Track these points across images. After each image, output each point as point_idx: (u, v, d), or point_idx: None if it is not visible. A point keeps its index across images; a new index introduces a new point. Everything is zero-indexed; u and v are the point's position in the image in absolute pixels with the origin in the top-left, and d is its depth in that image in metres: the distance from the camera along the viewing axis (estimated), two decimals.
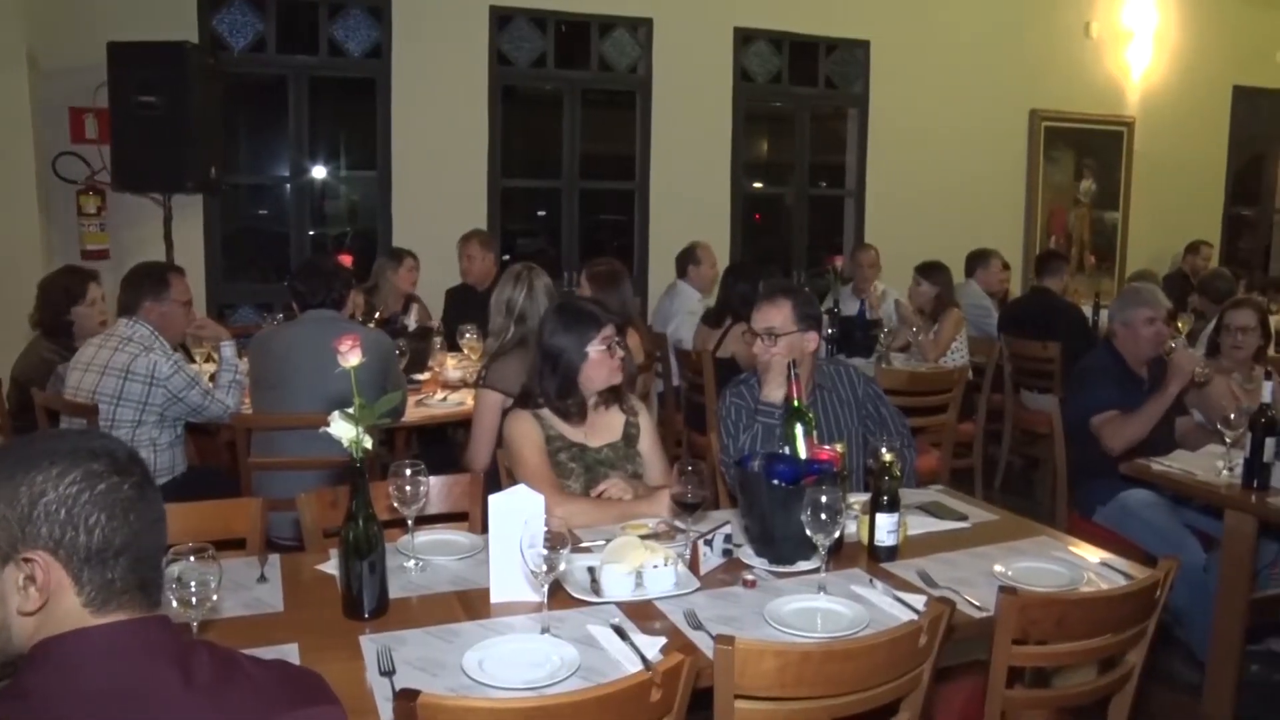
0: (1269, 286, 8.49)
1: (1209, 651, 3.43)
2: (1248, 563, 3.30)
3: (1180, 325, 5.82)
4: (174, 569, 1.74)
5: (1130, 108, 9.25)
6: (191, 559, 1.77)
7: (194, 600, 1.76)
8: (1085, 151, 9.18)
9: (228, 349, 3.98)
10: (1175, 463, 3.56)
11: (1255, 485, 3.22)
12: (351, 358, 2.11)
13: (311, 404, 3.45)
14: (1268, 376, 3.52)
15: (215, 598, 1.82)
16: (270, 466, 3.68)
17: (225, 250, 6.56)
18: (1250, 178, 10.35)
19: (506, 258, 7.34)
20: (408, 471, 2.33)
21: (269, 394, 3.81)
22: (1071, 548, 2.61)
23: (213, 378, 3.98)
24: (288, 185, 6.76)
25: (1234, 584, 3.32)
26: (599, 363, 2.92)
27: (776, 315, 3.07)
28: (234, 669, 1.31)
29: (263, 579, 2.30)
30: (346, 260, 5.13)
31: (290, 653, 1.88)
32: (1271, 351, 4.87)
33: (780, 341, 3.04)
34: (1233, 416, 3.37)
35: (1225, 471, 3.39)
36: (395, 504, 2.35)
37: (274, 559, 2.43)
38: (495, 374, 3.58)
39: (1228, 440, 3.40)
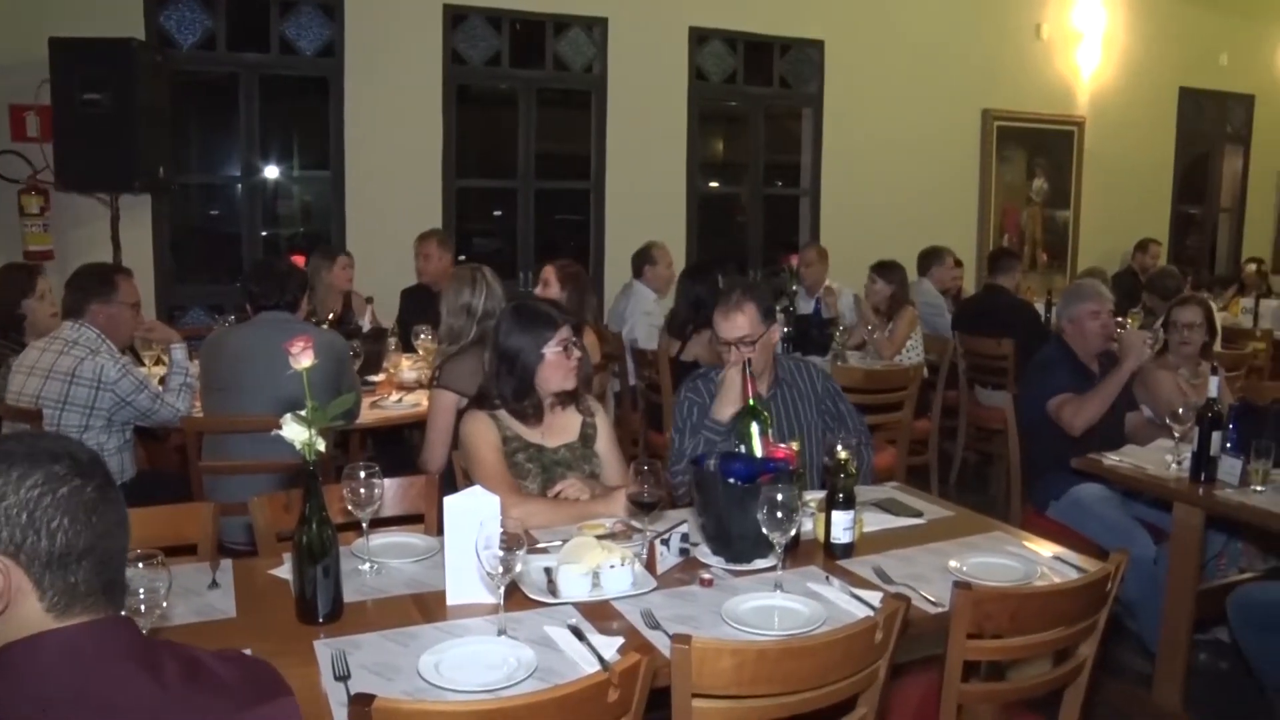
0: (1215, 284, 8.66)
1: (1159, 642, 3.49)
2: (1195, 554, 3.36)
3: (1130, 321, 5.91)
4: None
5: (1080, 108, 9.38)
6: (140, 565, 1.73)
7: (143, 608, 1.73)
8: (1037, 151, 9.30)
9: (178, 351, 3.93)
10: (1126, 457, 3.62)
11: (1202, 479, 3.28)
12: (303, 359, 2.08)
13: (264, 406, 3.41)
14: (1214, 372, 3.58)
15: (165, 605, 1.78)
16: (222, 470, 3.63)
17: (175, 251, 6.45)
18: (1196, 177, 10.55)
19: (462, 258, 7.31)
20: (362, 474, 2.30)
21: (220, 396, 3.76)
22: (1025, 542, 2.64)
23: (162, 381, 3.91)
24: (239, 185, 6.65)
25: (1182, 576, 3.38)
26: (555, 364, 2.90)
27: (745, 322, 3.05)
28: (198, 667, 1.29)
29: (214, 585, 2.27)
30: (300, 261, 5.06)
31: None
32: (1217, 347, 4.96)
33: (757, 347, 3.06)
34: (1181, 411, 3.43)
35: (1174, 465, 3.45)
36: (350, 506, 2.33)
37: (226, 564, 2.39)
38: (450, 374, 3.56)
39: (1176, 435, 3.46)
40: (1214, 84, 10.19)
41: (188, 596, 2.18)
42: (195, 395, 3.89)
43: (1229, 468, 3.27)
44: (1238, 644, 3.28)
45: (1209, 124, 10.40)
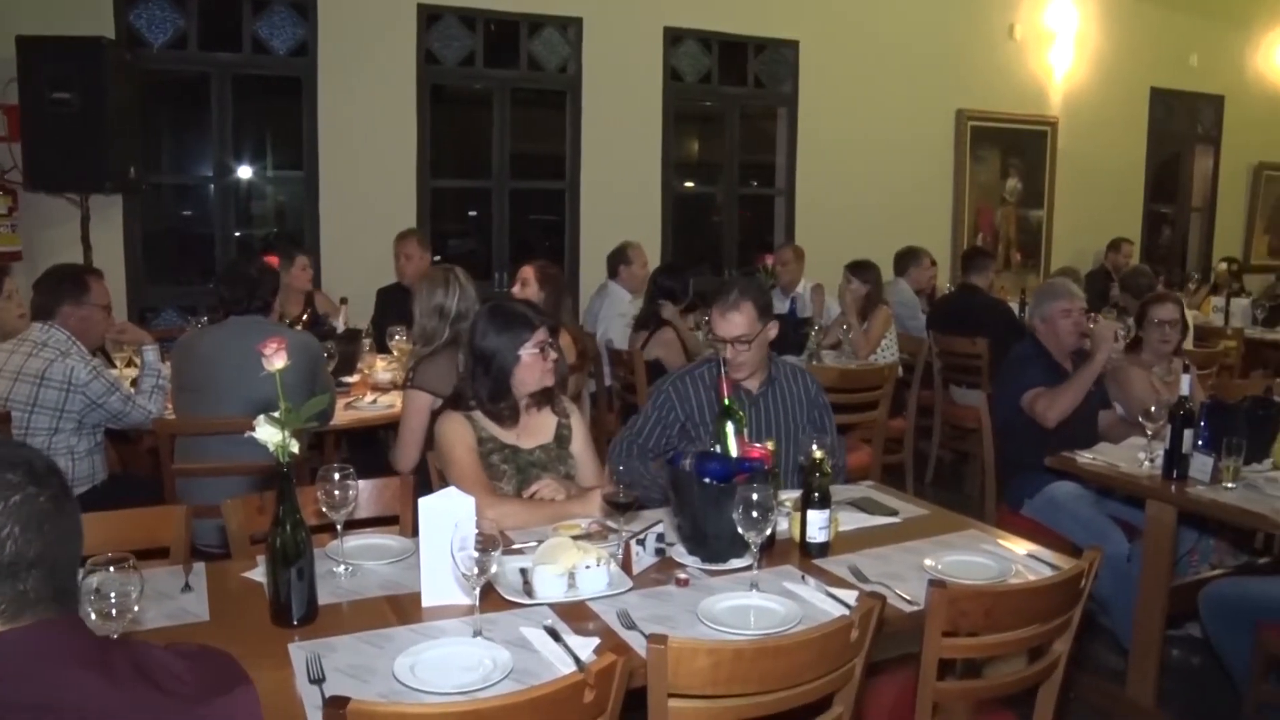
0: (1186, 282, 8.75)
1: (1132, 638, 3.52)
2: (1168, 551, 3.39)
3: (1102, 317, 5.95)
4: (92, 580, 1.69)
5: (1053, 108, 9.45)
6: (111, 569, 1.71)
7: (114, 612, 1.71)
8: (1011, 151, 9.36)
9: (150, 353, 3.89)
10: (1099, 455, 3.65)
11: (1175, 476, 3.31)
12: (276, 361, 2.07)
13: (237, 408, 3.38)
14: (1186, 370, 3.61)
15: (137, 609, 1.76)
16: (195, 473, 3.61)
17: (147, 252, 6.39)
18: (1167, 177, 10.65)
19: (437, 258, 7.28)
20: (336, 475, 2.29)
21: (192, 398, 3.73)
22: (1000, 540, 2.66)
23: (134, 383, 3.88)
24: (211, 186, 6.60)
25: (1155, 572, 3.40)
26: (531, 365, 2.90)
27: (742, 321, 3.06)
28: (151, 663, 1.28)
29: (187, 588, 2.25)
30: (273, 262, 5.02)
31: None
32: (1189, 345, 5.01)
33: (753, 344, 3.07)
34: (1154, 409, 3.46)
35: (1147, 463, 3.47)
36: (324, 508, 2.31)
37: (199, 567, 2.37)
38: (424, 375, 3.55)
39: (1149, 433, 3.49)
40: (1184, 84, 10.29)
41: (160, 600, 2.16)
42: (167, 397, 3.86)
43: (1201, 465, 3.30)
44: (1209, 639, 3.32)
45: (1180, 124, 10.51)
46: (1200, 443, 3.33)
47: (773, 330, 3.15)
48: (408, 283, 5.72)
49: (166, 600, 2.18)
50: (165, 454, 3.64)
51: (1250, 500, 3.13)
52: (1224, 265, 9.59)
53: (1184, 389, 3.36)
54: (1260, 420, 3.51)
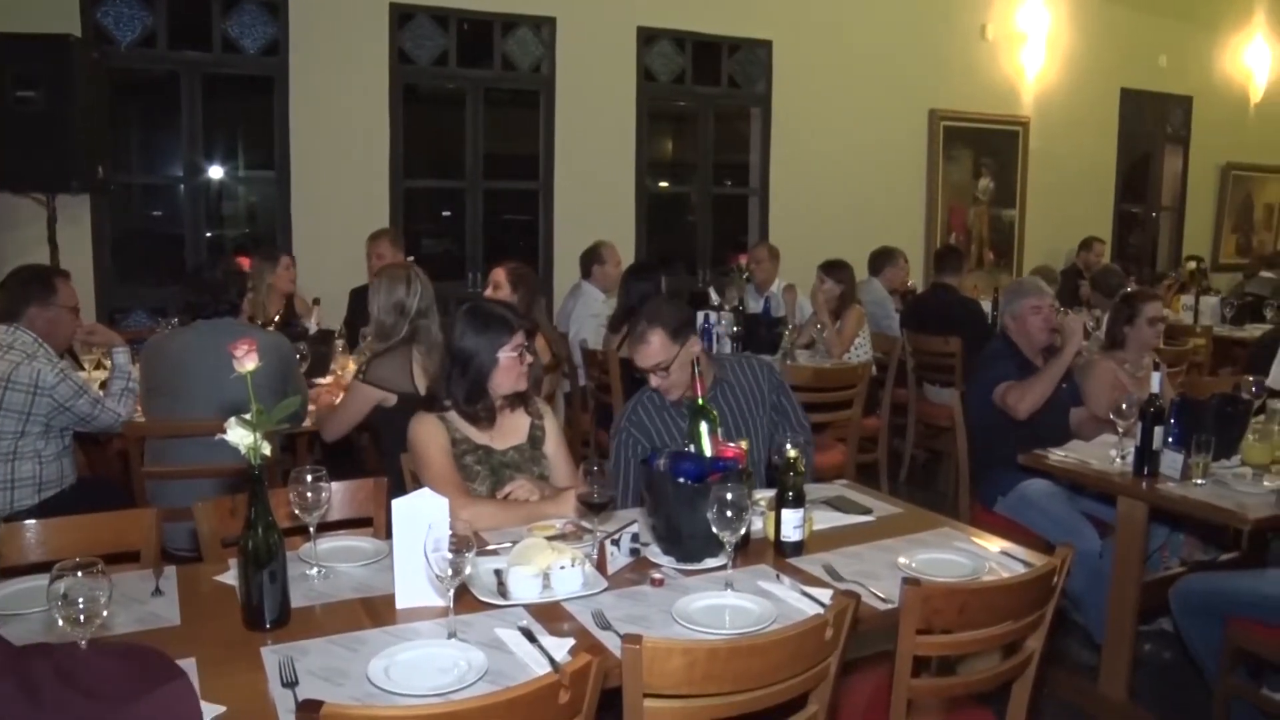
0: (1160, 280, 8.83)
1: (1105, 633, 3.55)
2: (1140, 547, 3.42)
3: (1071, 314, 6.00)
4: (59, 586, 1.67)
5: (1025, 108, 9.51)
6: (79, 574, 1.69)
7: (81, 618, 1.68)
8: (983, 151, 9.41)
9: (120, 355, 3.85)
10: (1071, 453, 3.68)
11: (1145, 473, 3.34)
12: (248, 362, 2.06)
13: (207, 410, 3.37)
14: (1156, 367, 3.64)
15: (105, 614, 1.73)
16: (165, 475, 3.58)
17: (117, 253, 6.32)
18: (1138, 177, 10.75)
19: (411, 259, 7.23)
20: (309, 477, 2.27)
21: (163, 401, 3.70)
22: (973, 538, 2.67)
23: (103, 385, 3.83)
24: (182, 186, 6.53)
25: (1127, 568, 3.44)
26: (508, 368, 2.90)
27: (656, 350, 3.03)
28: (74, 666, 1.25)
29: (158, 592, 2.23)
30: (245, 263, 4.98)
31: (188, 668, 1.81)
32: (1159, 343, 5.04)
33: (673, 369, 3.04)
34: (1124, 407, 3.49)
35: (1118, 460, 3.51)
36: (296, 511, 2.29)
37: (170, 571, 2.35)
38: (376, 370, 3.59)
39: (1120, 430, 3.52)
40: (1153, 85, 10.39)
41: (130, 605, 2.14)
42: (137, 400, 3.82)
43: (1171, 462, 3.33)
44: (1180, 634, 3.35)
45: (1149, 124, 10.60)
46: (1170, 440, 3.37)
47: (695, 346, 3.08)
48: None
49: (136, 605, 2.15)
50: (135, 457, 3.61)
51: (1219, 496, 3.17)
52: (1192, 264, 9.69)
53: (1154, 386, 3.38)
54: (1228, 417, 3.55)
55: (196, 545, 2.64)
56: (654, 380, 3.06)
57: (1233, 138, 11.02)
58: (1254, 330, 7.49)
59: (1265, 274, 9.11)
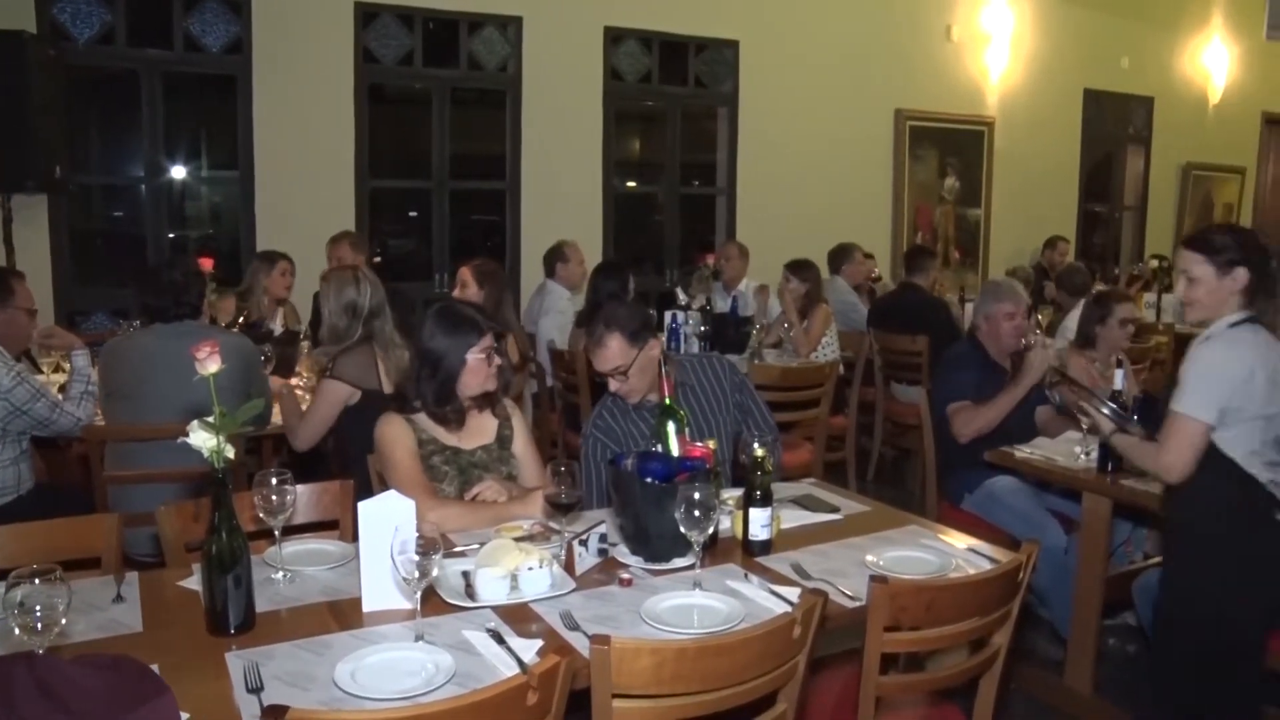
0: (1130, 281, 8.93)
1: (1070, 628, 3.58)
2: (1104, 542, 3.45)
3: (1040, 317, 6.05)
4: (15, 594, 1.64)
5: (990, 108, 9.59)
6: (36, 581, 1.66)
7: (39, 626, 1.65)
8: (949, 150, 9.48)
9: (80, 358, 3.78)
10: (1037, 450, 3.71)
11: (1109, 469, 3.37)
12: (210, 365, 2.04)
13: (169, 413, 3.33)
14: (1119, 364, 3.68)
15: (64, 622, 1.71)
16: (127, 480, 3.53)
17: (76, 254, 6.22)
18: (1101, 176, 10.87)
19: (378, 259, 7.20)
20: (274, 480, 2.25)
21: (123, 404, 3.65)
22: (940, 535, 2.68)
23: (62, 389, 3.77)
24: (143, 186, 6.44)
25: (1092, 563, 3.47)
26: (476, 370, 2.89)
27: (613, 354, 3.01)
28: (60, 682, 1.23)
29: (119, 599, 2.20)
30: (208, 264, 4.92)
31: None
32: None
33: (631, 373, 3.02)
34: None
35: (1083, 457, 3.54)
36: (261, 514, 2.27)
37: (132, 577, 2.32)
38: (343, 367, 3.57)
39: (1084, 427, 3.55)
40: (1116, 86, 10.51)
41: (90, 612, 2.11)
42: (97, 403, 3.76)
43: None
44: (1144, 627, 3.38)
45: (1112, 124, 10.72)
46: None
47: (654, 349, 3.06)
48: None
49: (97, 612, 2.12)
50: (95, 461, 3.56)
51: None
52: (1154, 263, 9.80)
53: (1118, 383, 3.42)
54: None
55: (159, 551, 2.61)
56: (613, 384, 3.05)
57: (1192, 138, 11.18)
58: None
59: None
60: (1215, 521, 2.75)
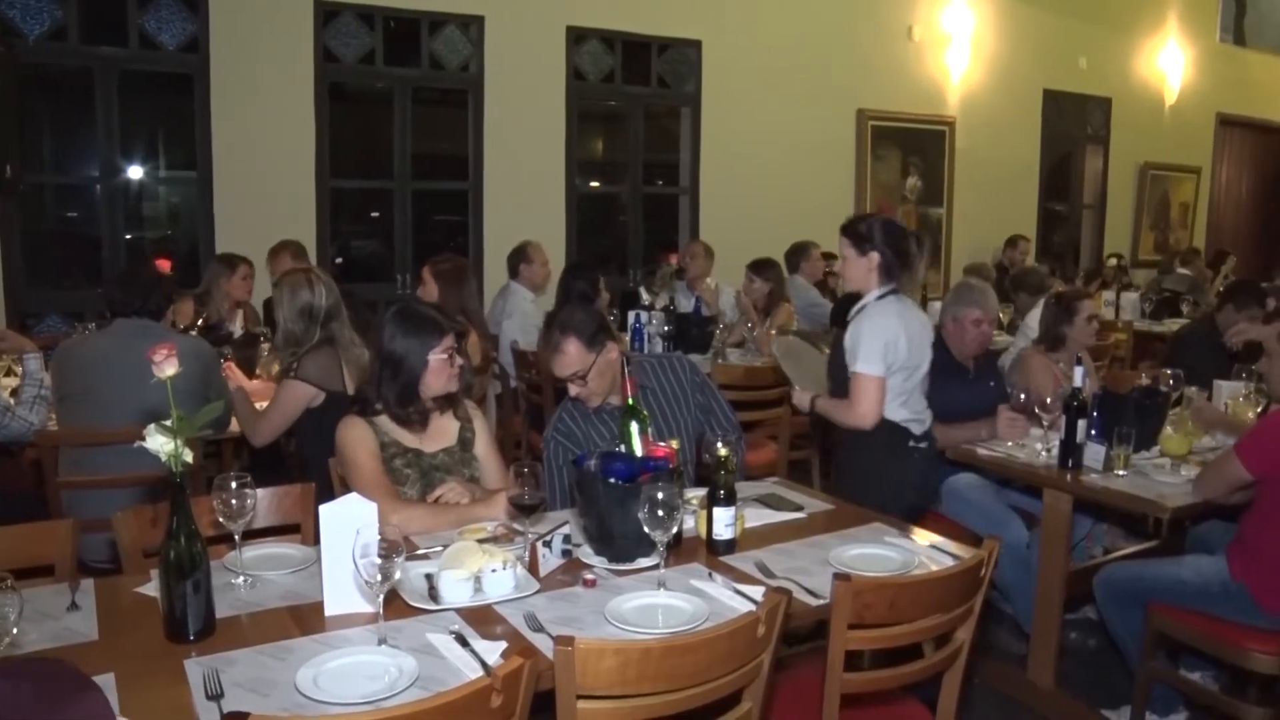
0: (1087, 278, 9.04)
1: (1032, 622, 3.62)
2: (1065, 538, 3.49)
3: (1001, 316, 6.11)
4: None
5: (951, 108, 9.67)
6: None
7: None
8: (910, 150, 9.54)
9: (32, 362, 3.71)
10: (998, 447, 3.74)
11: (1070, 465, 3.41)
12: (167, 367, 2.01)
13: (125, 417, 3.27)
14: (1078, 362, 3.71)
15: (15, 631, 1.68)
16: (82, 485, 3.47)
17: (28, 255, 6.11)
18: (1060, 176, 11.01)
19: (339, 260, 7.14)
20: (233, 484, 2.22)
21: (77, 408, 3.59)
22: (903, 533, 2.70)
23: (14, 393, 3.70)
24: (98, 186, 6.34)
25: (1053, 558, 3.51)
26: (438, 371, 2.88)
27: (571, 359, 3.00)
28: None
29: (74, 606, 2.16)
30: (165, 265, 4.86)
31: (106, 684, 1.76)
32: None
33: (590, 377, 3.01)
34: (1049, 401, 3.56)
35: (1043, 453, 3.57)
36: (221, 519, 2.24)
37: (87, 584, 2.28)
38: (307, 367, 3.53)
39: (1045, 424, 3.59)
40: (1074, 87, 10.64)
41: (43, 621, 2.07)
42: (50, 408, 3.70)
43: (1094, 454, 3.41)
44: (1104, 621, 3.42)
45: (1071, 124, 10.85)
46: (1093, 432, 3.44)
47: (612, 353, 3.04)
48: None
49: (50, 620, 2.08)
50: (49, 467, 3.50)
51: (1140, 487, 3.25)
52: (1113, 261, 9.93)
53: (1077, 380, 3.46)
54: (1148, 409, 3.64)
55: (116, 557, 2.57)
56: (572, 389, 3.04)
57: (1149, 138, 11.35)
58: (1172, 325, 7.71)
59: (1181, 270, 9.39)
60: (870, 453, 3.45)
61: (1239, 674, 3.20)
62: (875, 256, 3.44)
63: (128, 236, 6.54)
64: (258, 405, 3.86)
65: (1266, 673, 2.96)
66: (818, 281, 7.22)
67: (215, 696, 1.75)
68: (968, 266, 8.01)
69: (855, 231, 3.49)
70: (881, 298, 3.46)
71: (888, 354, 3.36)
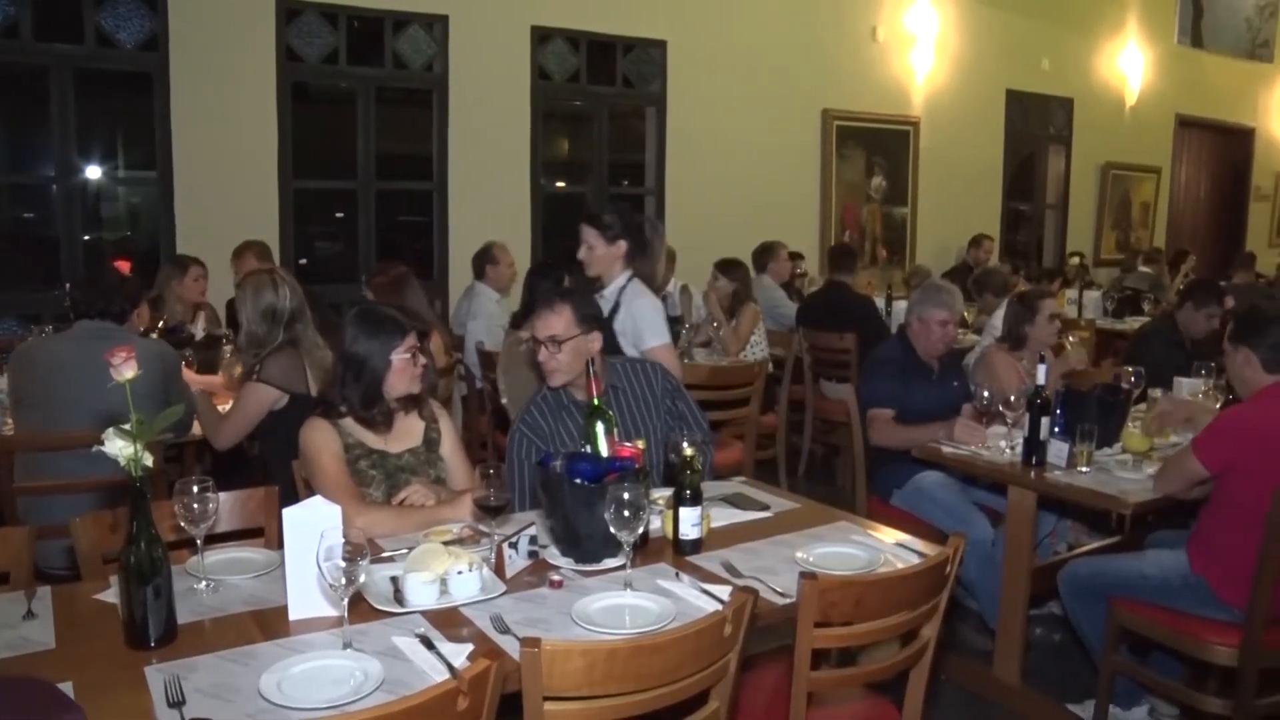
0: (1044, 276, 9.13)
1: (998, 618, 3.64)
2: (1029, 534, 3.52)
3: (966, 315, 6.15)
4: None
5: (915, 109, 9.73)
6: None
7: None
8: (875, 150, 9.60)
9: None
10: (963, 445, 3.76)
11: (1033, 462, 3.44)
12: (125, 370, 1.98)
13: (83, 421, 3.23)
14: (1041, 360, 3.74)
15: None
16: (39, 491, 3.42)
17: None
18: (1024, 175, 11.12)
19: (303, 262, 7.08)
20: (195, 488, 2.19)
21: (33, 412, 3.54)
22: (870, 531, 2.71)
23: None
24: (54, 186, 6.23)
25: (1017, 554, 3.53)
26: (401, 371, 2.86)
27: (558, 322, 2.99)
28: None
29: (30, 615, 2.12)
30: (125, 267, 4.78)
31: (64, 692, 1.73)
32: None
33: (564, 347, 2.99)
34: (1013, 398, 3.59)
35: (1008, 451, 3.60)
36: (182, 523, 2.21)
37: (44, 591, 2.24)
38: (270, 369, 3.51)
39: (1009, 421, 3.62)
40: (1037, 87, 10.75)
41: None
42: (6, 411, 3.64)
43: (1057, 451, 3.43)
44: (1069, 616, 3.45)
45: (1033, 125, 10.96)
46: (1056, 430, 3.47)
47: (595, 343, 3.04)
48: None
49: (5, 630, 2.04)
50: (4, 472, 3.43)
51: (1102, 483, 3.29)
52: (1075, 259, 10.04)
53: (1040, 378, 3.48)
54: (1110, 407, 3.68)
55: (73, 564, 2.53)
56: (542, 354, 3.01)
57: (1110, 138, 11.49)
58: (1133, 323, 7.81)
59: (1142, 269, 9.52)
60: None
61: (1199, 666, 3.24)
62: (624, 245, 3.93)
63: (86, 238, 6.44)
64: (220, 407, 3.82)
65: (1226, 664, 3.00)
66: (785, 282, 7.25)
67: (177, 704, 1.72)
68: (943, 274, 8.02)
69: (603, 222, 3.93)
70: (624, 287, 3.92)
71: (660, 323, 3.90)
